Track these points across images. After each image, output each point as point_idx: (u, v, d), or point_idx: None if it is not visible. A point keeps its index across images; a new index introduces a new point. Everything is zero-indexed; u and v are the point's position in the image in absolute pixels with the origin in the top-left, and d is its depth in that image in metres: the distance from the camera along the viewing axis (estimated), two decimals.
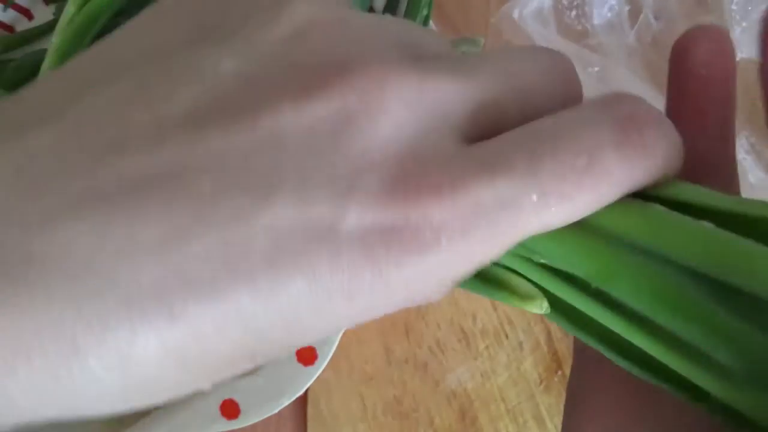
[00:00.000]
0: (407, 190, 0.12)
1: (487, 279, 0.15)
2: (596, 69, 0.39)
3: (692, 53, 0.16)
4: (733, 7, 0.39)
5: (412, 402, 0.40)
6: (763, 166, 0.38)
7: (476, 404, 0.40)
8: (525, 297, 0.15)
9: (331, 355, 0.35)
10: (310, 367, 0.34)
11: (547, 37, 0.40)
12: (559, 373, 0.40)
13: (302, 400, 0.40)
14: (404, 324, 0.40)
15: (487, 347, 0.40)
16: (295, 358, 0.34)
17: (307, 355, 0.34)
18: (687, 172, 0.14)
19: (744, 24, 0.40)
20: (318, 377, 0.35)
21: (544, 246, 0.14)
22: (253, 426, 0.37)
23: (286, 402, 0.35)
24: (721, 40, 0.16)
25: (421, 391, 0.40)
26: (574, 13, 0.42)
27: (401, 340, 0.40)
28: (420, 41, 0.15)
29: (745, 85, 0.42)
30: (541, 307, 0.15)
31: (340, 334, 0.35)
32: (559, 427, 0.40)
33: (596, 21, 0.41)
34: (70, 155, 0.12)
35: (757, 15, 0.39)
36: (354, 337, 0.40)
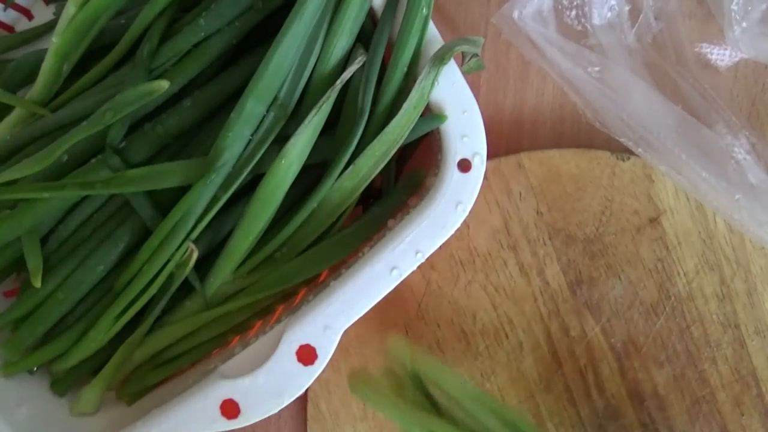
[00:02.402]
0: None
1: None
2: (596, 69, 0.39)
3: None
4: (733, 7, 0.39)
5: None
6: (763, 166, 0.38)
7: None
8: None
9: (331, 355, 0.35)
10: (310, 367, 0.34)
11: (547, 37, 0.40)
12: (559, 372, 0.40)
13: (302, 400, 0.40)
14: (404, 324, 0.40)
15: (487, 347, 0.40)
16: (295, 358, 0.34)
17: (307, 355, 0.34)
18: None
19: (744, 24, 0.40)
20: (318, 377, 0.35)
21: None
22: (253, 426, 0.37)
23: (286, 402, 0.35)
24: None
25: None
26: (574, 13, 0.42)
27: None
28: None
29: (745, 85, 0.42)
30: None
31: (340, 334, 0.35)
32: (559, 427, 0.40)
33: (596, 21, 0.41)
34: None
35: (757, 15, 0.39)
36: (354, 336, 0.40)
